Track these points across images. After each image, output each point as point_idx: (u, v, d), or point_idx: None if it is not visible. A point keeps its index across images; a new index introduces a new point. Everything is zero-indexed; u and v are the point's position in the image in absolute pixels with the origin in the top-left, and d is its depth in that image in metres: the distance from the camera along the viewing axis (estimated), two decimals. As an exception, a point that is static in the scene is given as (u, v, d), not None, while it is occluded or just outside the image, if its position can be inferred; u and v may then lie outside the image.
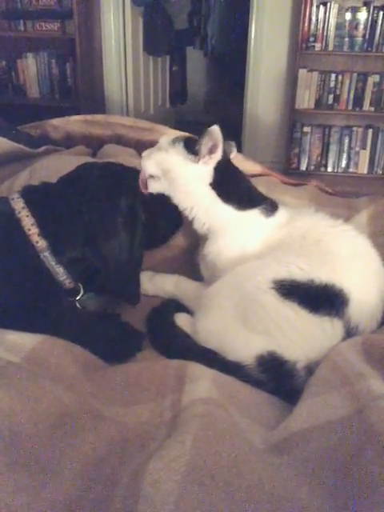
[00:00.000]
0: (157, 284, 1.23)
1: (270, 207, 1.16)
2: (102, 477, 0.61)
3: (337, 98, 3.70)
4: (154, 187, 1.14)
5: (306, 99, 3.70)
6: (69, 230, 1.00)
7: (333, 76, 3.64)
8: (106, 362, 0.98)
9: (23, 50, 4.04)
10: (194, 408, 0.74)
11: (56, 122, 1.88)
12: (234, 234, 1.14)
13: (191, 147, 1.11)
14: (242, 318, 0.97)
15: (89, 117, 1.87)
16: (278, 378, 0.90)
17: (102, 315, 1.11)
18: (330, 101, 3.71)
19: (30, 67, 4.09)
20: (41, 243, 0.96)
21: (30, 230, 0.97)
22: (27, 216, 0.98)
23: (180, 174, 1.12)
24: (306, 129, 3.83)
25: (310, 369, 0.90)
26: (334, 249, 1.04)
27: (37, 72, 4.09)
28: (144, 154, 1.17)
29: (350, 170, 3.88)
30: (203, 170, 1.12)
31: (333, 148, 3.85)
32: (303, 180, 1.74)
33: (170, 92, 5.00)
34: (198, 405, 0.75)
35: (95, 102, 4.04)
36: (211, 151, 1.09)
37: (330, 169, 3.89)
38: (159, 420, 0.78)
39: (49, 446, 0.62)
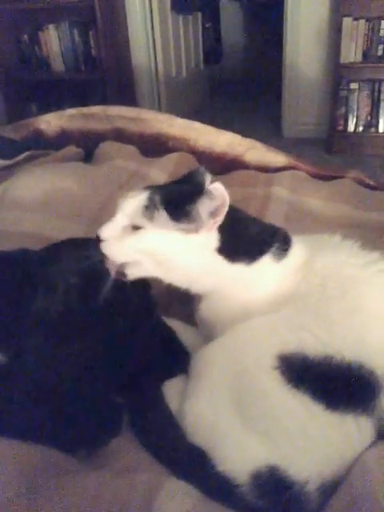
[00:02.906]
0: None
1: (283, 245, 0.87)
2: None
3: (388, 49, 3.26)
4: (135, 273, 0.85)
5: (352, 52, 3.28)
6: None
7: (383, 23, 3.20)
8: (67, 452, 0.78)
9: (44, 21, 3.79)
10: None
11: (49, 117, 1.65)
12: (237, 291, 0.87)
13: (178, 211, 0.81)
14: (238, 405, 0.73)
15: (85, 109, 1.64)
16: (279, 506, 0.66)
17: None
18: (380, 52, 3.26)
19: (52, 39, 3.86)
20: None
21: None
22: None
23: (174, 253, 0.83)
24: (352, 85, 3.41)
25: (326, 490, 0.66)
26: (365, 305, 0.77)
27: (59, 44, 3.85)
28: (103, 233, 0.83)
29: (405, 130, 3.44)
30: (206, 238, 0.83)
31: (384, 105, 3.41)
32: (339, 171, 1.44)
33: (203, 51, 4.62)
34: None
35: (121, 70, 3.78)
36: (214, 214, 0.80)
37: (381, 129, 3.47)
38: None
39: None
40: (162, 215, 0.80)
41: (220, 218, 0.80)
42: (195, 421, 0.77)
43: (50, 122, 1.64)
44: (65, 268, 0.87)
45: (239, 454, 0.70)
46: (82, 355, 0.83)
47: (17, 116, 2.98)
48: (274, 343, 0.75)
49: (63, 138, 1.63)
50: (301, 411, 0.68)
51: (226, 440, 0.72)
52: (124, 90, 3.82)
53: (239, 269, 0.85)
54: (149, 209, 0.81)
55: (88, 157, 1.55)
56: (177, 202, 0.81)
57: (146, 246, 0.82)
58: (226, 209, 0.79)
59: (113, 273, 0.83)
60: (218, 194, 0.78)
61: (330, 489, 0.66)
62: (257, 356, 0.74)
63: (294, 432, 0.68)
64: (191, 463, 0.72)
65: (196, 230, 0.81)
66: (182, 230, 0.81)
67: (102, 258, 0.83)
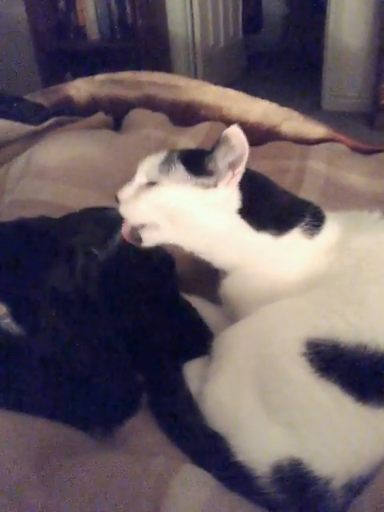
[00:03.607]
0: None
1: (315, 220, 0.81)
2: None
3: None
4: (152, 239, 0.81)
5: (400, 19, 3.07)
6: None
7: None
8: (82, 430, 0.75)
9: (79, -14, 3.72)
10: None
11: (79, 82, 1.61)
12: (263, 268, 0.81)
13: (196, 165, 0.77)
14: (261, 392, 0.68)
15: (115, 75, 1.57)
16: (302, 502, 0.61)
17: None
18: None
19: (88, 6, 3.79)
20: None
21: None
22: None
23: (192, 211, 0.78)
24: (400, 55, 3.19)
25: (352, 488, 0.61)
26: None
27: (95, 11, 3.78)
28: (121, 195, 0.81)
29: None
30: (225, 195, 0.78)
31: None
32: (381, 145, 1.34)
33: (242, 20, 4.45)
34: None
35: (157, 39, 3.68)
36: (234, 165, 0.75)
37: None
38: None
39: None
40: (179, 169, 0.77)
41: (239, 170, 0.76)
42: (215, 405, 0.72)
43: (80, 88, 1.60)
44: (85, 239, 0.84)
45: (260, 444, 0.65)
46: (100, 331, 0.80)
47: (51, 85, 2.96)
48: (303, 327, 0.69)
49: (93, 105, 1.58)
50: (329, 402, 0.63)
51: (246, 428, 0.67)
52: (159, 60, 3.73)
53: (265, 240, 0.79)
54: (165, 164, 0.78)
55: (117, 124, 1.50)
56: (194, 156, 0.78)
57: (161, 201, 0.78)
58: (245, 158, 0.74)
59: (128, 238, 0.79)
60: (235, 140, 0.73)
61: (357, 487, 0.61)
62: (283, 340, 0.69)
63: (320, 424, 0.63)
64: (209, 449, 0.68)
65: (214, 184, 0.76)
66: (199, 185, 0.77)
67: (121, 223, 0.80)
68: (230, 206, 0.78)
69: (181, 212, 0.78)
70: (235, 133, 0.73)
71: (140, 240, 0.81)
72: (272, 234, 0.79)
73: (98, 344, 0.79)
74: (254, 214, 0.79)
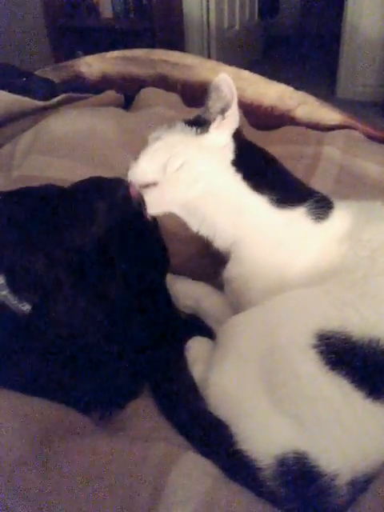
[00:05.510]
0: (172, 292, 0.92)
1: (321, 205, 0.79)
2: None
3: None
4: (154, 201, 0.82)
5: (421, 7, 3.00)
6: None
7: None
8: (81, 411, 0.74)
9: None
10: None
11: (90, 59, 1.57)
12: (269, 249, 0.79)
13: (192, 121, 0.83)
14: (267, 383, 0.65)
15: (127, 52, 1.53)
16: (304, 497, 0.59)
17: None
18: None
19: (103, -17, 3.73)
20: None
21: None
22: None
23: (186, 157, 0.81)
24: (418, 45, 3.14)
25: (356, 486, 0.58)
26: None
27: (110, -12, 3.71)
28: (131, 163, 0.86)
29: None
30: (219, 142, 0.81)
31: None
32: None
33: (259, 3, 4.36)
34: None
35: (171, 19, 3.62)
36: (224, 110, 0.80)
37: None
38: None
39: None
40: (178, 125, 0.84)
41: (229, 113, 0.80)
42: (219, 393, 0.70)
43: (91, 65, 1.56)
44: (101, 208, 0.81)
45: (264, 435, 0.62)
46: (116, 296, 0.78)
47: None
48: (314, 319, 0.66)
49: (104, 83, 1.55)
50: (337, 397, 0.60)
51: (250, 418, 0.65)
52: (173, 41, 3.67)
53: (265, 208, 0.79)
54: (169, 127, 0.85)
55: (128, 103, 1.46)
56: (192, 119, 0.84)
57: (157, 149, 0.82)
58: (234, 102, 0.80)
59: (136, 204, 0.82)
60: (224, 86, 0.79)
61: (361, 485, 0.59)
62: (293, 331, 0.66)
63: (327, 419, 0.60)
64: (211, 436, 0.66)
65: (207, 130, 0.81)
66: (195, 133, 0.82)
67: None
68: (223, 156, 0.82)
69: (174, 155, 0.81)
70: (224, 79, 0.78)
71: (144, 206, 0.83)
72: (271, 200, 0.79)
73: (113, 314, 0.77)
74: (250, 170, 0.81)
